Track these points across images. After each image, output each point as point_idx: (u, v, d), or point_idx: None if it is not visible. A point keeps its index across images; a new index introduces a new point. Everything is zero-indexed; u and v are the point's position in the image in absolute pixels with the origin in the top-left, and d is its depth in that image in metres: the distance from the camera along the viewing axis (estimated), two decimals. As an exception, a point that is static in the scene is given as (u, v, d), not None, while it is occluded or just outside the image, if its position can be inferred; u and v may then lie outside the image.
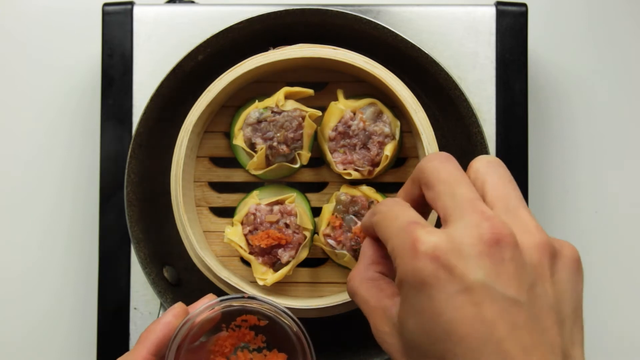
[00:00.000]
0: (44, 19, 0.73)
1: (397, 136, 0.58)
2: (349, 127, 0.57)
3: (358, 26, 0.59)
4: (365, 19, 0.59)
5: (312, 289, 0.60)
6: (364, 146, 0.57)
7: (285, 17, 0.59)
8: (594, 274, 0.71)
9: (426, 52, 0.59)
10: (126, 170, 0.60)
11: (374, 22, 0.59)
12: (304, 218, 0.58)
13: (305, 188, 0.61)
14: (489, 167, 0.41)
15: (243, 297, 0.50)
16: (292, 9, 0.60)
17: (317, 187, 0.61)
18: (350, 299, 0.55)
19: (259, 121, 0.57)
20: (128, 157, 0.60)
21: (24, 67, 0.72)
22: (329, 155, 0.58)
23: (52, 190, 0.71)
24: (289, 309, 0.52)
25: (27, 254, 0.71)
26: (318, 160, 0.60)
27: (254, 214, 0.57)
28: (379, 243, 0.44)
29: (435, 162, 0.41)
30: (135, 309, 0.64)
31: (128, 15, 0.65)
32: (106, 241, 0.64)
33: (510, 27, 0.64)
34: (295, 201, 0.58)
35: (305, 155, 0.57)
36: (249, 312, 0.50)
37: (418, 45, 0.59)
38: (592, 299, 0.71)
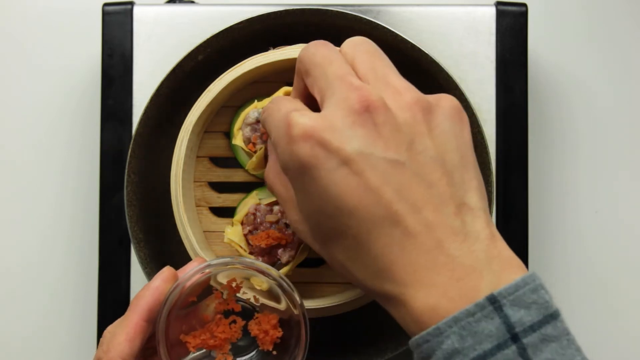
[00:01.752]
0: (43, 19, 0.73)
1: None
2: None
3: (358, 26, 0.59)
4: (365, 19, 0.59)
5: (313, 289, 0.60)
6: None
7: (285, 17, 0.59)
8: (594, 275, 0.71)
9: (426, 52, 0.59)
10: (126, 170, 0.60)
11: (374, 22, 0.59)
12: None
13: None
14: (355, 45, 0.41)
15: (232, 260, 0.48)
16: (292, 9, 0.60)
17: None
18: (352, 299, 0.55)
19: (258, 121, 0.57)
20: (128, 157, 0.60)
21: (23, 67, 0.72)
22: None
23: (52, 190, 0.71)
24: None
25: (27, 253, 0.71)
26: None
27: (254, 214, 0.57)
28: None
29: (311, 49, 0.41)
30: (135, 309, 0.64)
31: (128, 15, 0.65)
32: (106, 241, 0.64)
33: (510, 27, 0.64)
34: None
35: None
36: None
37: (418, 45, 0.59)
38: (593, 299, 0.71)
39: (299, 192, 0.39)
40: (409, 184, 0.36)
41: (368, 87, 0.38)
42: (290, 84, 0.58)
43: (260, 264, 0.48)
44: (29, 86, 0.72)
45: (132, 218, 0.60)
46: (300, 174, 0.38)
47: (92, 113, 0.71)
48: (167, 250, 0.61)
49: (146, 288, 0.47)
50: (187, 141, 0.57)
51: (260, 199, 0.58)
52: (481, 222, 0.37)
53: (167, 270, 0.48)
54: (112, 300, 0.64)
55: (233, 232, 0.57)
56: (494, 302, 0.35)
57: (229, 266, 0.49)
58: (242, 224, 0.57)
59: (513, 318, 0.34)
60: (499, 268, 0.36)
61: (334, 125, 0.37)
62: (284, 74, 0.60)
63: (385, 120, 0.37)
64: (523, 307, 0.35)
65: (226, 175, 0.61)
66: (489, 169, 0.59)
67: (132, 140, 0.60)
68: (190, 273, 0.47)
